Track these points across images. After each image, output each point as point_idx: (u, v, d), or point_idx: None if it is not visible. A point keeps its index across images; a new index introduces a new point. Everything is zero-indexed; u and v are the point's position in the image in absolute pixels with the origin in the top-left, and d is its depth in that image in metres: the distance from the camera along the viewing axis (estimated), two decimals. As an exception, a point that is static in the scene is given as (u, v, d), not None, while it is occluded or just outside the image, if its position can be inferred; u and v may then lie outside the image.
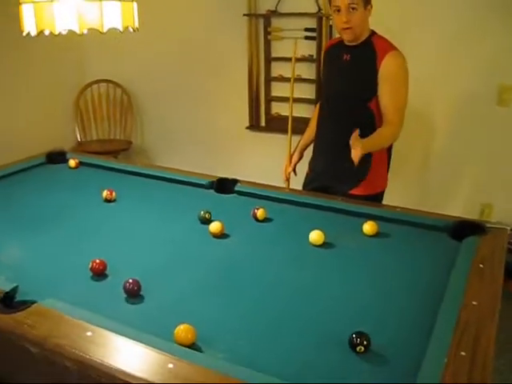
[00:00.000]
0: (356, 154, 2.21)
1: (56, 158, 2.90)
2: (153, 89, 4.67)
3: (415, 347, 1.30)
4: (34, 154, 2.93)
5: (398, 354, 1.30)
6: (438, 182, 3.73)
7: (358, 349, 1.28)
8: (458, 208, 3.38)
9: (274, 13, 3.87)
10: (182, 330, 1.31)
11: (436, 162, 3.71)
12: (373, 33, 2.42)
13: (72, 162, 2.81)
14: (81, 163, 2.83)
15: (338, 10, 2.31)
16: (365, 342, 1.28)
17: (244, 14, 3.96)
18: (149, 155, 4.87)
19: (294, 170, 2.87)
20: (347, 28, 2.33)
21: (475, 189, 3.63)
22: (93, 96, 4.66)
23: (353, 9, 2.29)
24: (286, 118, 3.29)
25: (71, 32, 1.76)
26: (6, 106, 4.14)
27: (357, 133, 2.21)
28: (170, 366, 1.18)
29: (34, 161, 2.85)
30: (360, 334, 1.29)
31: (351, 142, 2.21)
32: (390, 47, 2.37)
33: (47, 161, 2.88)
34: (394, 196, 2.74)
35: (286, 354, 1.32)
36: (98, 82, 4.63)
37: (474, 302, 1.44)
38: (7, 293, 1.48)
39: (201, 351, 1.29)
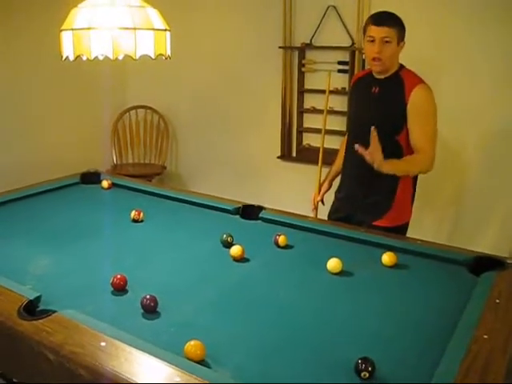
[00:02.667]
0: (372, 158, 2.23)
1: (90, 178, 3.00)
2: (188, 116, 4.80)
3: (421, 377, 1.30)
4: (71, 174, 3.04)
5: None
6: (469, 217, 3.68)
7: (362, 374, 1.29)
8: (489, 244, 3.33)
9: (309, 46, 3.95)
10: (192, 346, 1.35)
11: (468, 197, 3.67)
12: (401, 66, 2.45)
13: (105, 183, 2.91)
14: (113, 184, 2.92)
15: (372, 41, 2.36)
16: (370, 368, 1.29)
17: (279, 47, 4.06)
18: (182, 180, 4.97)
19: (322, 200, 2.90)
20: (378, 59, 2.37)
21: (508, 225, 3.57)
22: (131, 121, 4.81)
23: (387, 42, 2.34)
24: (317, 149, 3.33)
25: (116, 61, 1.88)
26: (48, 128, 4.33)
27: (376, 142, 2.23)
28: (177, 379, 1.21)
29: (68, 180, 2.96)
30: (365, 360, 1.30)
31: (368, 153, 2.23)
32: (418, 80, 2.40)
33: (81, 181, 2.99)
34: (426, 230, 2.71)
35: (291, 376, 1.33)
36: (136, 107, 4.79)
37: (485, 336, 1.44)
38: (31, 301, 1.56)
39: (209, 367, 1.32)
